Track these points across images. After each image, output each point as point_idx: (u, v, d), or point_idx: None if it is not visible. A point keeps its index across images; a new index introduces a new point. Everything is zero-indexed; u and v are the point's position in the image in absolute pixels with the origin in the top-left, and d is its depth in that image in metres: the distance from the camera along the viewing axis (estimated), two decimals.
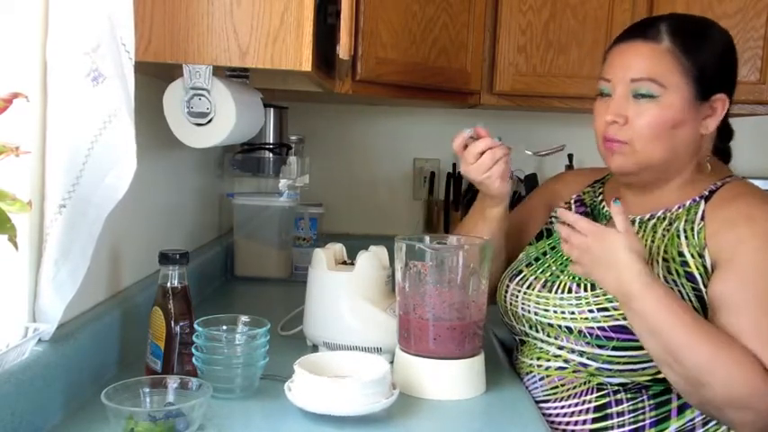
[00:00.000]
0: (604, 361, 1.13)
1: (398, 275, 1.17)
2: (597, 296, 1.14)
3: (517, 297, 1.25)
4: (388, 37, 1.61)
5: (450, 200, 2.21)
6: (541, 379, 1.21)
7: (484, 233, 1.30)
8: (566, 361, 1.18)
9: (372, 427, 1.01)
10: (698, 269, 1.10)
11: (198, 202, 1.80)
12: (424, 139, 2.32)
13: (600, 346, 1.13)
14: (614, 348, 1.11)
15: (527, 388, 1.23)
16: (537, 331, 1.21)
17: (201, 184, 1.84)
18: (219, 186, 2.01)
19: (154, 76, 1.26)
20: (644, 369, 1.12)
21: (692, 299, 1.10)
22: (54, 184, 0.91)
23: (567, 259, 1.22)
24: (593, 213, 1.30)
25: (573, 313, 1.15)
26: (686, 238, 1.13)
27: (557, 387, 1.19)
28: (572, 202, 1.35)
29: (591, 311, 1.13)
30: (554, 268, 1.24)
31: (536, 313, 1.20)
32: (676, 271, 1.11)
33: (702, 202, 1.16)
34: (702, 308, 1.09)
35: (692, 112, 1.14)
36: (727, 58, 1.18)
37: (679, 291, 1.10)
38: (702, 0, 1.90)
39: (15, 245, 0.74)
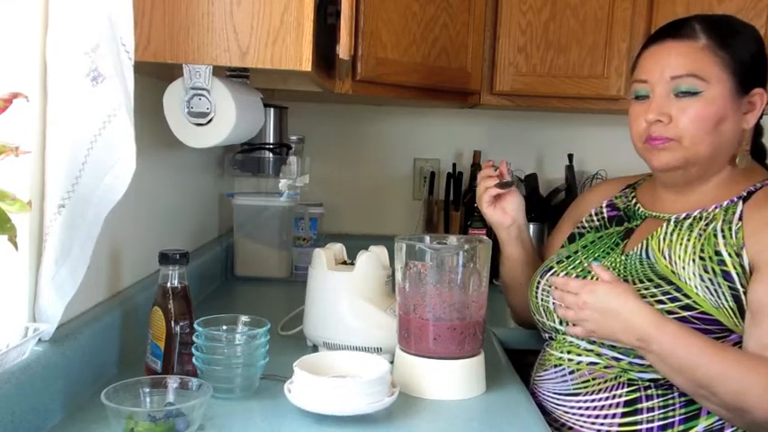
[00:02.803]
0: (636, 356, 1.12)
1: (398, 275, 1.17)
2: (638, 291, 1.13)
3: (548, 292, 1.25)
4: (388, 37, 1.61)
5: (450, 200, 2.21)
6: (571, 372, 1.20)
7: (503, 274, 1.42)
8: (598, 355, 1.17)
9: (372, 426, 1.01)
10: (735, 268, 1.10)
11: (198, 202, 1.80)
12: (424, 139, 2.32)
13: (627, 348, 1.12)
14: None
15: (552, 380, 1.22)
16: (568, 326, 1.20)
17: (201, 184, 1.84)
18: (219, 186, 2.01)
19: (154, 76, 1.26)
20: None
21: (728, 298, 1.09)
22: (54, 184, 0.91)
23: (599, 254, 1.26)
24: (627, 215, 1.31)
25: None
26: (723, 237, 1.13)
27: (587, 381, 1.18)
28: (603, 206, 1.36)
29: None
30: (585, 264, 1.25)
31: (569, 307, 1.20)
32: (713, 270, 1.11)
33: (740, 202, 1.16)
34: (739, 308, 1.09)
35: (734, 107, 1.15)
36: (759, 52, 1.19)
37: (715, 290, 1.10)
38: (703, 0, 1.89)
39: (15, 245, 0.74)
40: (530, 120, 2.30)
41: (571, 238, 1.36)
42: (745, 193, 1.17)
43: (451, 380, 1.14)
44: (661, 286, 1.13)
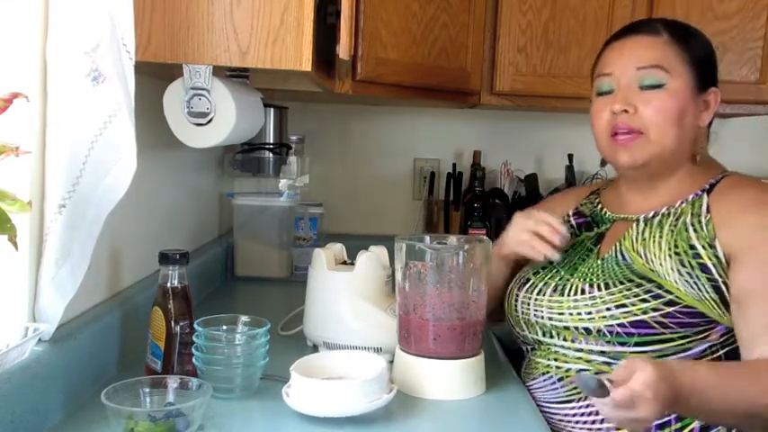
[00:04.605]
0: (619, 358, 1.11)
1: (398, 275, 1.17)
2: (613, 294, 1.14)
3: (528, 304, 1.24)
4: (388, 37, 1.61)
5: (450, 200, 2.21)
6: (560, 380, 1.19)
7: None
8: (588, 362, 1.16)
9: (372, 426, 1.01)
10: (710, 259, 1.11)
11: (198, 202, 1.80)
12: (424, 139, 2.32)
13: (621, 344, 1.12)
14: (636, 344, 1.11)
15: (541, 389, 1.21)
16: (552, 337, 1.20)
17: (201, 184, 1.84)
18: (219, 186, 2.01)
19: (154, 76, 1.26)
20: None
21: (709, 289, 1.10)
22: (54, 184, 0.91)
23: (575, 263, 1.25)
24: (594, 221, 1.31)
25: (590, 313, 1.15)
26: (695, 230, 1.14)
27: (578, 387, 1.16)
28: (570, 214, 1.36)
29: (608, 309, 1.13)
30: (563, 273, 1.24)
31: (550, 318, 1.20)
32: (689, 263, 1.12)
33: (705, 195, 1.19)
34: (720, 298, 1.10)
35: (693, 102, 1.18)
36: (712, 54, 1.23)
37: (695, 282, 1.11)
38: (702, 0, 1.89)
39: (15, 245, 0.74)
40: (530, 120, 2.30)
41: None
42: (707, 186, 1.20)
43: (451, 380, 1.14)
44: (642, 285, 1.13)
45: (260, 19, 1.04)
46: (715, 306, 1.10)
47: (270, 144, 1.94)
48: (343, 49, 1.20)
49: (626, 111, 1.17)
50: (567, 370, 1.18)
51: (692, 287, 1.11)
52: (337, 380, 1.07)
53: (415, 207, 2.32)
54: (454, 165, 2.27)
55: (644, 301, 1.12)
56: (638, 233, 1.20)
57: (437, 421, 1.06)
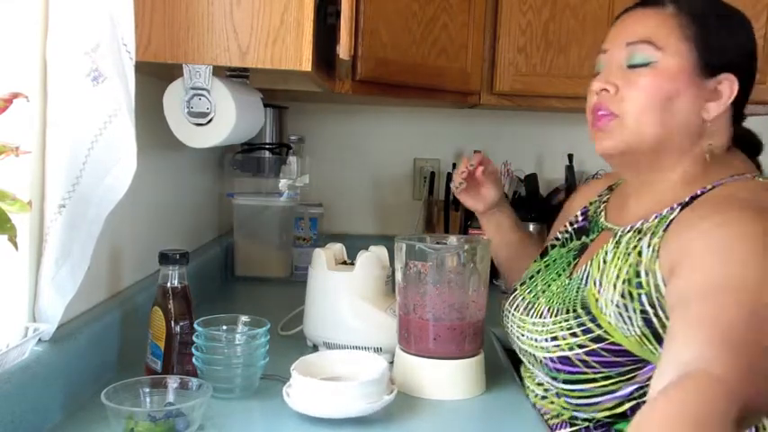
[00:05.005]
0: (559, 394, 1.06)
1: (398, 275, 1.17)
2: (556, 323, 1.04)
3: (508, 318, 1.20)
4: (388, 37, 1.61)
5: (451, 200, 2.21)
6: (533, 405, 1.13)
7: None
8: (546, 390, 1.10)
9: (372, 426, 1.01)
10: (645, 288, 0.95)
11: (198, 202, 1.80)
12: (424, 139, 2.32)
13: (553, 378, 1.06)
14: (564, 381, 1.04)
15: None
16: (522, 355, 1.15)
17: (201, 184, 1.84)
18: (219, 186, 2.01)
19: (154, 76, 1.26)
20: (597, 404, 1.02)
21: (639, 323, 0.95)
22: (54, 184, 0.91)
23: (550, 280, 1.15)
24: (590, 226, 1.19)
25: (536, 340, 1.07)
26: (647, 254, 0.97)
27: (543, 415, 1.11)
28: (579, 214, 1.24)
29: (546, 340, 1.05)
30: (538, 289, 1.16)
31: (518, 337, 1.14)
32: (629, 293, 0.97)
33: (678, 209, 0.99)
34: (652, 332, 0.95)
35: (692, 86, 0.99)
36: (740, 37, 1.02)
37: (629, 316, 0.96)
38: None
39: (15, 245, 0.74)
40: (530, 120, 2.30)
41: (544, 252, 1.26)
42: (687, 198, 0.99)
43: (451, 380, 1.14)
44: (580, 317, 1.02)
45: (260, 19, 1.04)
46: (646, 342, 0.95)
47: (270, 144, 1.94)
48: (343, 49, 1.20)
49: (606, 90, 1.02)
50: (536, 395, 1.13)
51: (624, 321, 0.97)
52: (338, 380, 1.07)
53: (415, 207, 2.32)
54: (454, 165, 2.26)
55: (573, 335, 1.01)
56: (606, 252, 1.05)
57: (437, 421, 1.06)
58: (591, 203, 1.23)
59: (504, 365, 1.31)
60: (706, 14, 1.01)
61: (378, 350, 1.25)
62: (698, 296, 0.83)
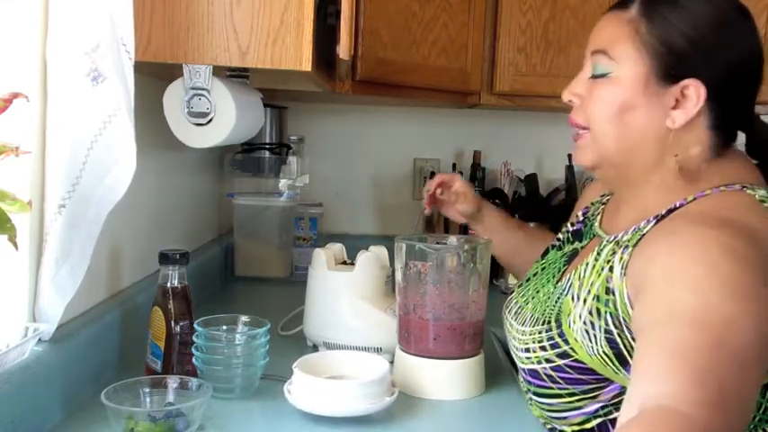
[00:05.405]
0: (534, 406, 1.04)
1: (398, 275, 1.17)
2: (531, 334, 1.02)
3: (504, 319, 1.18)
4: (388, 37, 1.61)
5: None
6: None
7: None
8: (530, 398, 1.08)
9: (372, 426, 1.01)
10: (609, 307, 0.91)
11: (198, 202, 1.80)
12: (424, 139, 2.32)
13: (526, 390, 1.05)
14: (535, 394, 1.02)
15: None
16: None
17: (201, 184, 1.84)
18: (219, 186, 2.01)
19: (154, 76, 1.26)
20: (565, 418, 1.00)
21: (603, 343, 0.91)
22: (54, 184, 0.91)
23: (540, 286, 1.11)
24: (584, 230, 1.15)
25: (516, 348, 1.06)
26: (617, 270, 0.92)
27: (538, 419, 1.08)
28: (580, 213, 1.21)
29: (522, 350, 1.03)
30: (529, 294, 1.12)
31: (509, 340, 1.12)
32: (597, 310, 0.93)
33: (653, 222, 0.94)
34: (616, 353, 0.91)
35: (650, 95, 0.93)
36: (713, 33, 0.92)
37: (595, 335, 0.92)
38: None
39: (15, 245, 0.74)
40: (530, 120, 2.30)
41: (545, 252, 1.22)
42: (664, 211, 0.94)
43: (451, 380, 1.14)
44: (551, 330, 0.99)
45: (260, 19, 1.04)
46: (609, 362, 0.92)
47: (270, 144, 1.94)
48: (343, 49, 1.20)
49: (572, 101, 1.01)
50: (527, 400, 1.09)
51: (589, 339, 0.93)
52: (340, 379, 1.07)
53: (415, 207, 2.32)
54: (454, 165, 2.27)
55: (543, 348, 0.99)
56: (588, 263, 0.99)
57: (437, 421, 1.06)
58: (593, 203, 1.20)
59: (504, 365, 1.31)
60: (668, 11, 0.93)
61: (378, 350, 1.25)
62: (657, 323, 0.80)
